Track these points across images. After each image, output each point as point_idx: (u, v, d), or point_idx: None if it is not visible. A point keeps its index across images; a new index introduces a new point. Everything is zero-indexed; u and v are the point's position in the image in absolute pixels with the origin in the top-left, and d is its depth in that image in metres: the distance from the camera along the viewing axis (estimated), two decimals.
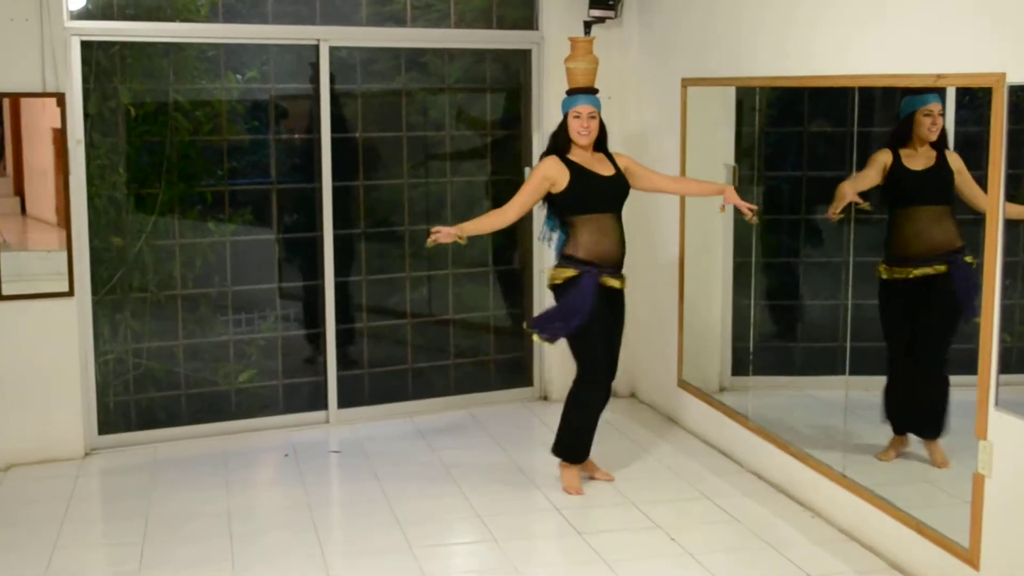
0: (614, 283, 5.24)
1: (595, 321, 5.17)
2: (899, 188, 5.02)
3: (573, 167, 5.19)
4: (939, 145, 4.88)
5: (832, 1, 4.76)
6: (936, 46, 4.12)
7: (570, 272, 5.17)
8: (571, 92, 5.34)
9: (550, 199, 5.27)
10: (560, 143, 5.28)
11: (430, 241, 5.09)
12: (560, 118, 5.30)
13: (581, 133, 5.20)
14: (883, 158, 5.02)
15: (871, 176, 5.05)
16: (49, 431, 5.78)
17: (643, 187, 5.39)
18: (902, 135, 4.97)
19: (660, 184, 5.45)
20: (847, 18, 4.65)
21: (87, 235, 5.82)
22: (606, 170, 5.26)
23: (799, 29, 5.01)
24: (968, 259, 4.83)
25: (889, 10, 4.38)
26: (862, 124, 4.88)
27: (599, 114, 5.26)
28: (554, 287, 5.26)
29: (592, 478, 5.47)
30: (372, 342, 6.74)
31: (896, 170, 4.99)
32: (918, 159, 4.95)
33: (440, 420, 6.55)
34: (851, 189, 5.04)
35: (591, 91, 5.32)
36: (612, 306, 5.31)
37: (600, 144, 5.31)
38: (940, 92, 4.71)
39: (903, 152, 4.98)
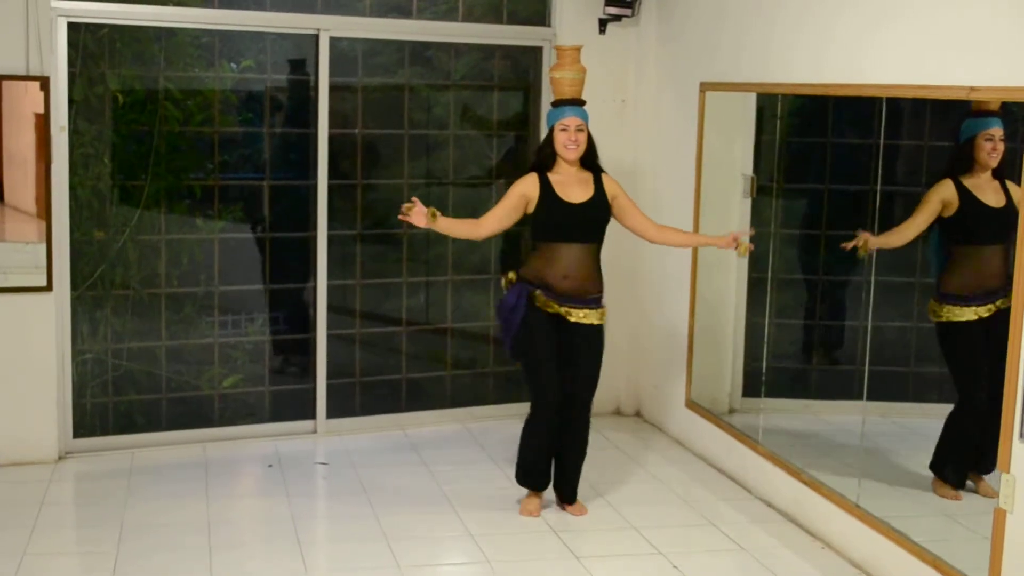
0: (559, 310, 5.14)
1: (538, 344, 5.15)
2: (967, 225, 4.84)
3: (546, 189, 5.15)
4: (999, 174, 4.75)
5: (865, 7, 4.79)
6: (969, 56, 4.13)
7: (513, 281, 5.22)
8: (557, 103, 5.25)
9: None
10: (545, 158, 5.23)
11: (402, 214, 5.03)
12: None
13: (568, 147, 5.15)
14: (942, 195, 4.87)
15: (921, 223, 4.90)
16: (21, 432, 5.79)
17: (623, 223, 5.32)
18: (964, 162, 4.83)
19: (642, 228, 5.29)
20: (879, 25, 4.67)
21: (68, 227, 5.84)
22: (582, 195, 5.17)
23: (831, 35, 5.02)
24: None
25: (920, 18, 4.42)
26: (889, 136, 4.90)
27: (587, 127, 5.21)
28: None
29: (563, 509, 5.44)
30: (365, 349, 6.75)
31: (968, 204, 4.81)
32: (988, 192, 4.78)
33: (434, 434, 6.57)
34: (889, 243, 4.94)
35: (579, 102, 5.24)
36: (574, 339, 5.18)
37: (588, 161, 5.25)
38: (1007, 113, 4.64)
39: (968, 183, 4.82)
